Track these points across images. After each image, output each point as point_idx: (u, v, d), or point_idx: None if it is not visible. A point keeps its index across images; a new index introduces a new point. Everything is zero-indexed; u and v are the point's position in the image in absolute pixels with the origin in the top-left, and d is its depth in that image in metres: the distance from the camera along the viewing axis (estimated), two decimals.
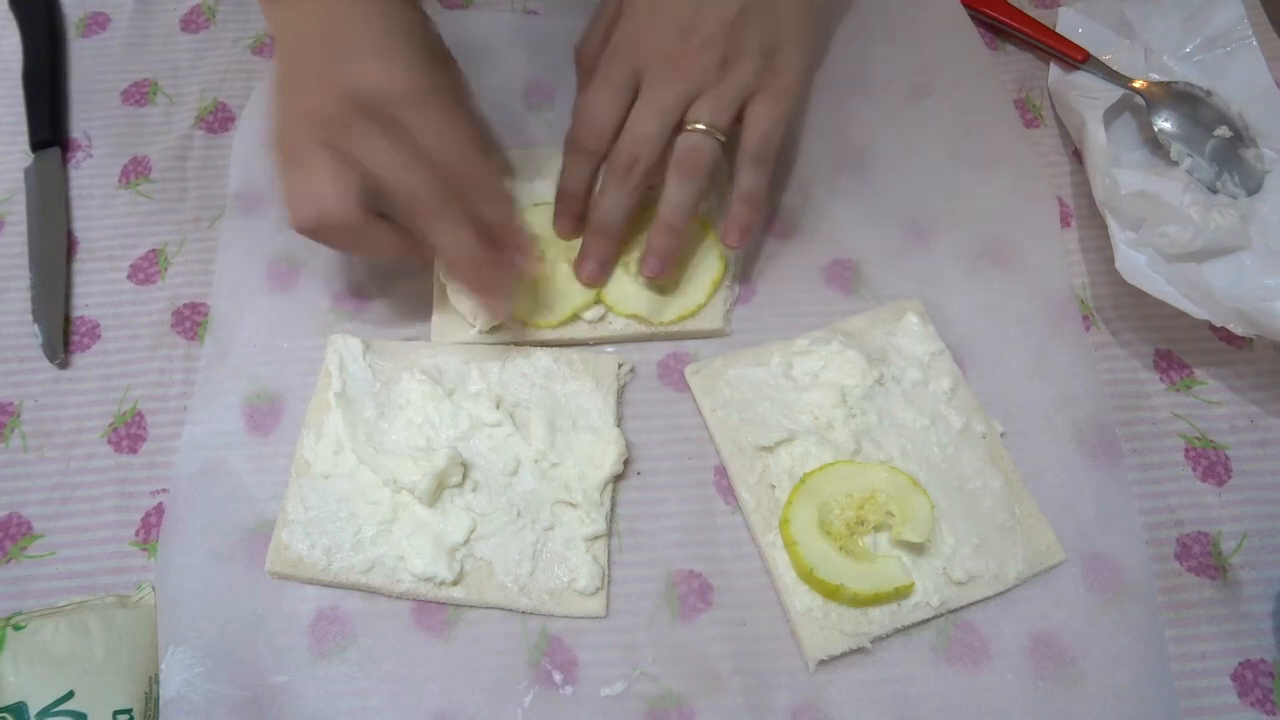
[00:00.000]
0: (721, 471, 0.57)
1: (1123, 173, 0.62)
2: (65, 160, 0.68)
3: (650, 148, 0.57)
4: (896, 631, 0.52)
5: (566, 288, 0.61)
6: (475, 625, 0.53)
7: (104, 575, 0.55)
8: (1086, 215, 0.66)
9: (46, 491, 0.57)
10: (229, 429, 0.58)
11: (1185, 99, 0.67)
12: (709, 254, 0.62)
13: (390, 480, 0.54)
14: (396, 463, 0.54)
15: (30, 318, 0.62)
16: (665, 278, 0.60)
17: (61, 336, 0.61)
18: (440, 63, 0.56)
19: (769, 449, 0.56)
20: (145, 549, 0.55)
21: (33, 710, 0.47)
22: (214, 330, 0.61)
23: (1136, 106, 0.69)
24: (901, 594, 0.52)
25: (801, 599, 0.52)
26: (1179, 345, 0.62)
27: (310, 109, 0.51)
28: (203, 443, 0.58)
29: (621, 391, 0.60)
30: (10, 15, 0.74)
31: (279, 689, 0.51)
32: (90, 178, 0.68)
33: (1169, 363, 0.61)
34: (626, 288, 0.61)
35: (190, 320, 0.62)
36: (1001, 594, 0.53)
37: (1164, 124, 0.67)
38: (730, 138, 0.58)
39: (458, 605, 0.53)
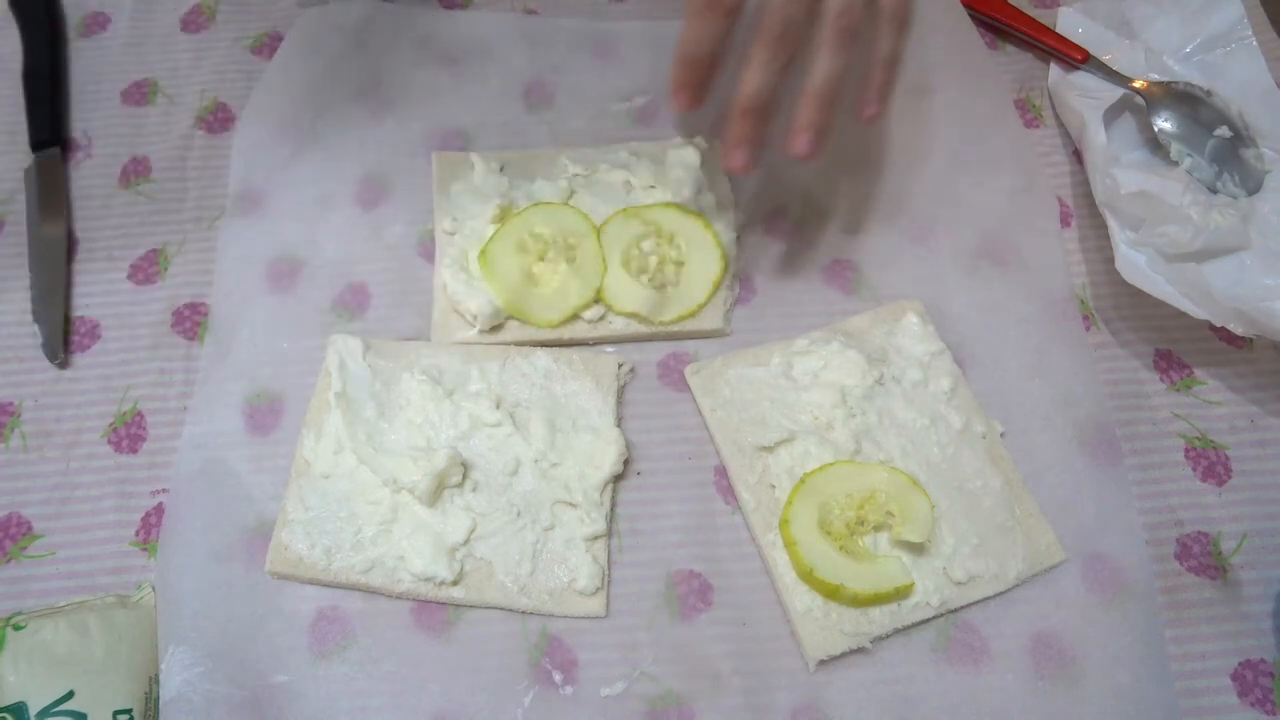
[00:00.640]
0: (721, 471, 0.57)
1: (1123, 173, 0.62)
2: (65, 160, 0.68)
3: (803, 11, 0.51)
4: (896, 631, 0.52)
5: (566, 288, 0.61)
6: (475, 625, 0.53)
7: (104, 575, 0.55)
8: (1086, 215, 0.66)
9: (46, 491, 0.57)
10: (229, 429, 0.58)
11: (1185, 99, 0.67)
12: (709, 254, 0.62)
13: (390, 480, 0.54)
14: (396, 463, 0.54)
15: (30, 318, 0.62)
16: (814, 156, 0.54)
17: (61, 336, 0.61)
18: None
19: (769, 449, 0.56)
20: (145, 549, 0.55)
21: (33, 710, 0.47)
22: (214, 330, 0.61)
23: (1136, 106, 0.69)
24: (901, 594, 0.52)
25: (801, 599, 0.52)
26: (1179, 345, 0.62)
27: None
28: (203, 443, 0.58)
29: (621, 391, 0.60)
30: (10, 15, 0.74)
31: (279, 689, 0.51)
32: (90, 178, 0.68)
33: (1169, 363, 0.61)
34: (626, 286, 0.61)
35: (190, 320, 0.62)
36: (1001, 594, 0.53)
37: (1164, 124, 0.67)
38: None
39: (458, 605, 0.53)
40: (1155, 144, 0.67)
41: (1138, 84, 0.68)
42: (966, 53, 0.72)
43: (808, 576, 0.52)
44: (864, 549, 0.53)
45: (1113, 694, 0.51)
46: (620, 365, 0.60)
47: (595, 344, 0.61)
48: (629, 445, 0.57)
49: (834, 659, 0.51)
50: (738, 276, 0.64)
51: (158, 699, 0.50)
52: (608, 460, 0.55)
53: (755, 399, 0.58)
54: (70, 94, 0.71)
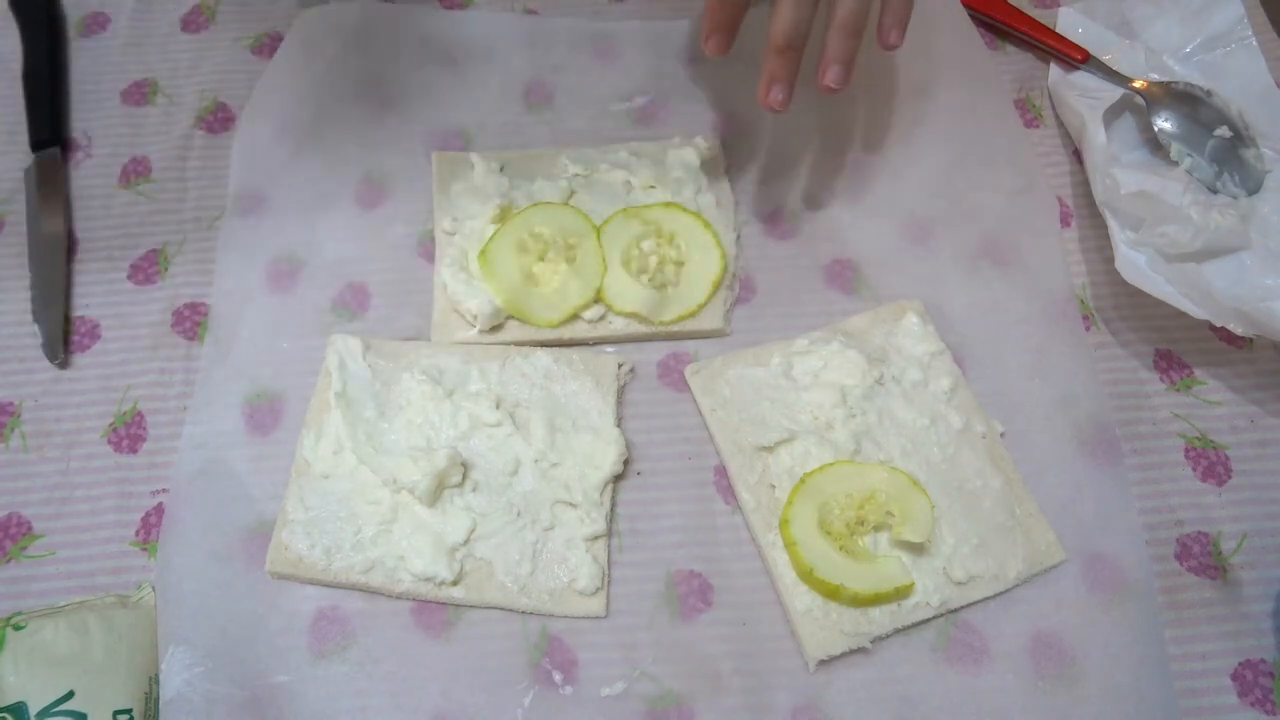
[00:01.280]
0: (721, 471, 0.57)
1: (1123, 173, 0.62)
2: (65, 160, 0.68)
3: None
4: (896, 631, 0.52)
5: (566, 288, 0.61)
6: (475, 625, 0.53)
7: (104, 575, 0.55)
8: (1086, 215, 0.66)
9: (46, 491, 0.57)
10: (229, 429, 0.58)
11: (1185, 99, 0.67)
12: (709, 254, 0.62)
13: (390, 480, 0.54)
14: (396, 463, 0.54)
15: (30, 318, 0.62)
16: (844, 88, 0.56)
17: (61, 336, 0.61)
18: None
19: (769, 449, 0.56)
20: (145, 549, 0.55)
21: (33, 710, 0.47)
22: (214, 330, 0.61)
23: (1136, 106, 0.69)
24: (901, 594, 0.52)
25: (801, 599, 0.52)
26: (1179, 345, 0.62)
27: None
28: (203, 443, 0.58)
29: (621, 391, 0.60)
30: (10, 15, 0.74)
31: (279, 689, 0.51)
32: (90, 178, 0.68)
33: (1169, 363, 0.61)
34: (626, 286, 0.61)
35: (190, 320, 0.62)
36: (1001, 594, 0.53)
37: (1164, 124, 0.67)
38: None
39: (458, 605, 0.53)
40: (1155, 144, 0.67)
41: (1138, 84, 0.68)
42: (966, 53, 0.72)
43: (808, 576, 0.52)
44: (864, 549, 0.53)
45: (1113, 694, 0.51)
46: (620, 365, 0.60)
47: (595, 344, 0.61)
48: (629, 445, 0.57)
49: (834, 659, 0.51)
50: (738, 276, 0.64)
51: (158, 699, 0.50)
52: (608, 460, 0.55)
53: (755, 399, 0.58)
54: (70, 94, 0.71)
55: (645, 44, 0.73)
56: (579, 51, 0.73)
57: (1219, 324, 0.57)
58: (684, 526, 0.56)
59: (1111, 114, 0.67)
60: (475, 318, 0.60)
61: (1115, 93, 0.68)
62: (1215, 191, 0.64)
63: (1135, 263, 0.60)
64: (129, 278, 0.64)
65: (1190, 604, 0.54)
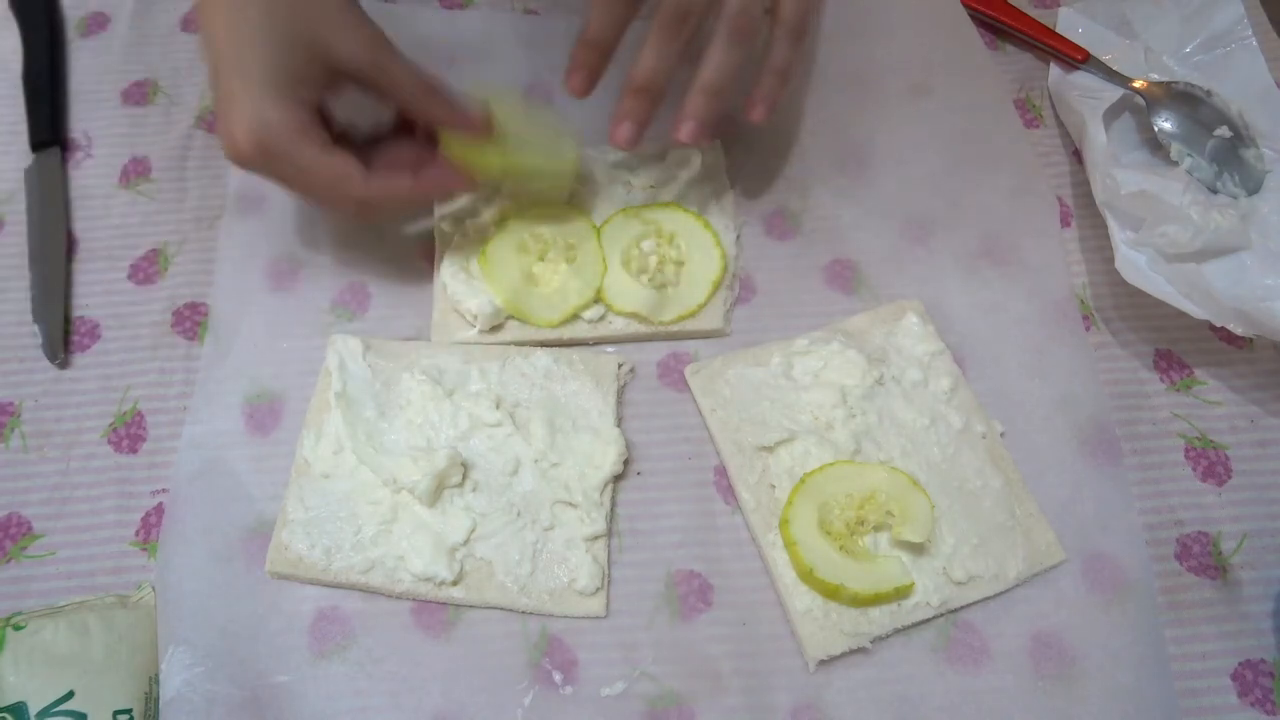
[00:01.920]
0: (721, 471, 0.57)
1: (1123, 173, 0.62)
2: (65, 160, 0.68)
3: (702, 1, 0.53)
4: (896, 631, 0.52)
5: (566, 288, 0.61)
6: (475, 625, 0.53)
7: (104, 575, 0.55)
8: (1086, 215, 0.66)
9: (46, 491, 0.57)
10: (229, 429, 0.58)
11: (1185, 99, 0.67)
12: (709, 254, 0.62)
13: (390, 480, 0.54)
14: (396, 463, 0.54)
15: (30, 318, 0.62)
16: (703, 142, 0.56)
17: (61, 336, 0.61)
18: (291, 87, 0.54)
19: (769, 449, 0.56)
20: (145, 549, 0.55)
21: (33, 710, 0.47)
22: (214, 330, 0.61)
23: (1136, 106, 0.69)
24: (901, 594, 0.52)
25: (801, 599, 0.52)
26: (1179, 345, 0.62)
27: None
28: (203, 443, 0.58)
29: (621, 391, 0.60)
30: (10, 15, 0.74)
31: (279, 689, 0.51)
32: (90, 178, 0.68)
33: (1169, 363, 0.61)
34: (626, 286, 0.61)
35: (190, 320, 0.62)
36: (1001, 594, 0.53)
37: (1164, 124, 0.67)
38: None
39: (458, 605, 0.53)
40: (1155, 144, 0.67)
41: (1138, 84, 0.68)
42: (966, 53, 0.72)
43: (808, 576, 0.52)
44: (864, 549, 0.53)
45: (1113, 694, 0.51)
46: (620, 365, 0.60)
47: (595, 344, 0.61)
48: (629, 445, 0.57)
49: (834, 659, 0.51)
50: (738, 276, 0.64)
51: (158, 699, 0.50)
52: (608, 460, 0.55)
53: (755, 399, 0.58)
54: (70, 94, 0.71)
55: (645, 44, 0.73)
56: None
57: (1219, 324, 0.57)
58: (684, 526, 0.56)
59: (1111, 114, 0.67)
60: (475, 318, 0.60)
61: (1115, 93, 0.68)
62: (1215, 191, 0.64)
63: (1135, 263, 0.60)
64: (129, 278, 0.64)
65: (1190, 604, 0.54)
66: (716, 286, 0.62)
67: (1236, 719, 0.51)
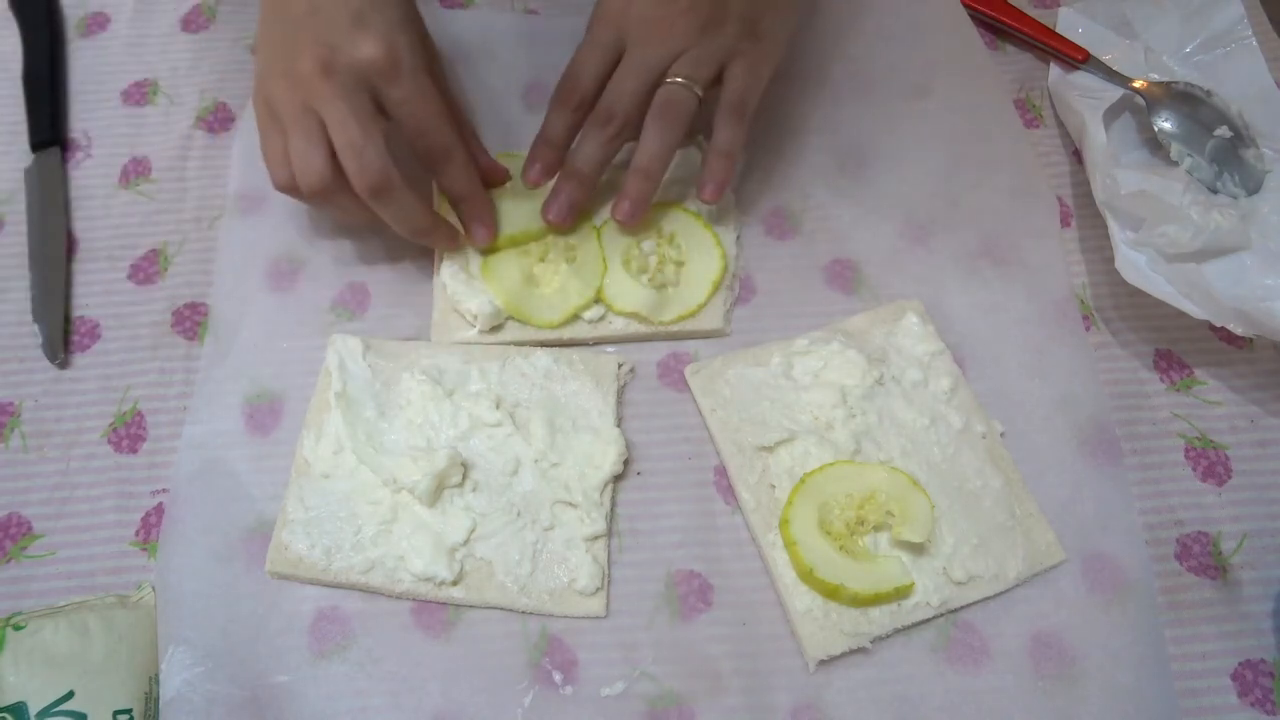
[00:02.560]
0: (721, 471, 0.57)
1: (1123, 173, 0.62)
2: (65, 160, 0.68)
3: (630, 101, 0.59)
4: (896, 631, 0.52)
5: (567, 288, 0.61)
6: (475, 625, 0.53)
7: (104, 575, 0.55)
8: (1086, 215, 0.66)
9: (46, 491, 0.57)
10: (229, 429, 0.58)
11: (1185, 99, 0.67)
12: (709, 254, 0.62)
13: (390, 480, 0.54)
14: (396, 463, 0.54)
15: (30, 318, 0.62)
16: (635, 224, 0.61)
17: (61, 336, 0.61)
18: (416, 34, 0.58)
19: (769, 449, 0.56)
20: (145, 549, 0.55)
21: (33, 710, 0.47)
22: (214, 330, 0.61)
23: (1136, 106, 0.69)
24: (901, 594, 0.52)
25: (801, 599, 0.52)
26: (1179, 345, 0.62)
27: (290, 69, 0.54)
28: (203, 443, 0.57)
29: (621, 391, 0.60)
30: (10, 15, 0.74)
31: (279, 689, 0.51)
32: (90, 178, 0.68)
33: (1169, 363, 0.61)
34: (626, 286, 0.61)
35: (190, 320, 0.62)
36: (1001, 594, 0.53)
37: (1164, 124, 0.67)
38: (709, 100, 0.60)
39: (458, 605, 0.53)
40: (1155, 144, 0.67)
41: (1138, 84, 0.68)
42: (966, 53, 0.72)
43: (808, 576, 0.52)
44: (864, 549, 0.53)
45: (1113, 694, 0.51)
46: (620, 365, 0.60)
47: (595, 344, 0.61)
48: (629, 445, 0.57)
49: (834, 659, 0.51)
50: (738, 276, 0.64)
51: (158, 699, 0.50)
52: (608, 460, 0.55)
53: (755, 399, 0.58)
54: (70, 94, 0.71)
55: None
56: None
57: (1219, 324, 0.57)
58: (684, 526, 0.56)
59: (1111, 114, 0.67)
60: (475, 318, 0.60)
61: (1115, 93, 0.68)
62: (1215, 191, 0.64)
63: (1135, 263, 0.60)
64: (129, 278, 0.64)
65: (1190, 604, 0.54)
66: (716, 286, 0.62)
67: (1236, 719, 0.51)
